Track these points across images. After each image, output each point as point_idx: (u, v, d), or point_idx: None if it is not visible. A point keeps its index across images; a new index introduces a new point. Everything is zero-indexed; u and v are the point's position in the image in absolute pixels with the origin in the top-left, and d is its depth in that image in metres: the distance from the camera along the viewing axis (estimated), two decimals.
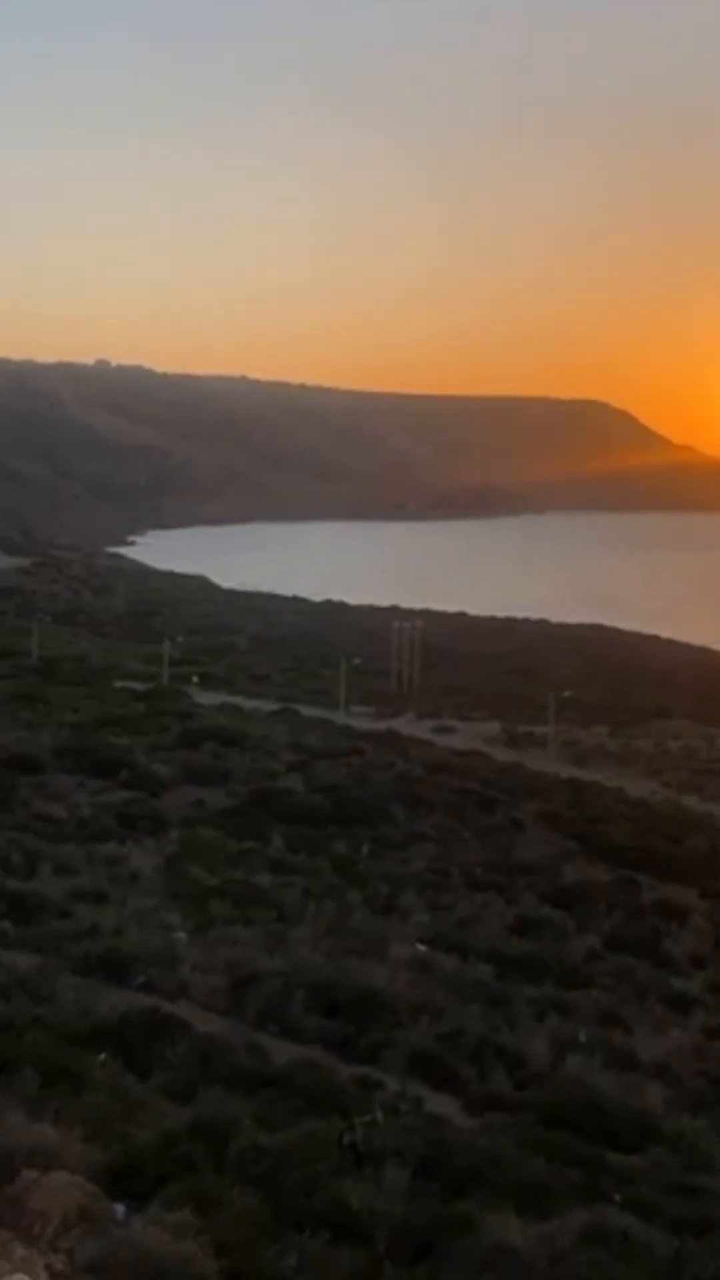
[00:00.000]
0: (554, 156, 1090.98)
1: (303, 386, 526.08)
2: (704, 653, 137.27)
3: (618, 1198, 13.19)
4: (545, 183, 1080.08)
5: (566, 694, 79.48)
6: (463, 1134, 13.86)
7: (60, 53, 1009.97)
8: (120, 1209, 8.19)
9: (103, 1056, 12.80)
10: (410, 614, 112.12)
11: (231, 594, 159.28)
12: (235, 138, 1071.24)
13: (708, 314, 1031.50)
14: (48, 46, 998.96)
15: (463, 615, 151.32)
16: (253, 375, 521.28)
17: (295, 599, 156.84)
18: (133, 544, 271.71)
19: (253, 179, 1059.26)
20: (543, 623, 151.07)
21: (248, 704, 64.60)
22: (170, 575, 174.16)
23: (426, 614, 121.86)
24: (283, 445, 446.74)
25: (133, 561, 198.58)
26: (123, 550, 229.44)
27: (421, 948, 22.66)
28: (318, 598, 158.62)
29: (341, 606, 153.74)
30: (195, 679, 74.74)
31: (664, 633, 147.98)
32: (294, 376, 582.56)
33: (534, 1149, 14.11)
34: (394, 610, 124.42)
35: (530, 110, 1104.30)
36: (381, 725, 65.53)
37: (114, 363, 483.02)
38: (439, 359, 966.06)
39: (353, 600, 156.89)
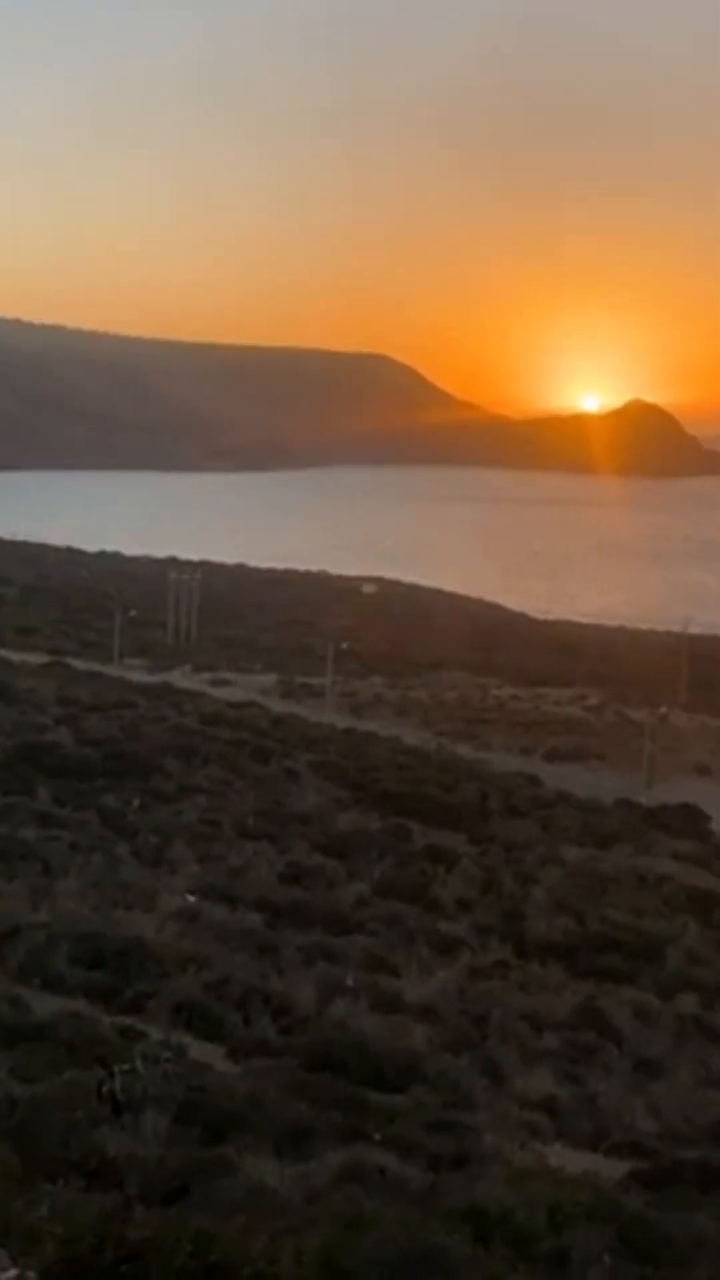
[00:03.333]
0: (341, 111, 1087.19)
1: (80, 331, 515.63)
2: (480, 604, 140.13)
3: (378, 1136, 13.47)
4: (334, 134, 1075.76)
5: (344, 645, 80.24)
6: (225, 1080, 13.98)
7: None
8: None
9: None
10: (188, 565, 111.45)
11: None
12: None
13: (492, 270, 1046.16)
14: None
15: (242, 567, 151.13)
16: (27, 318, 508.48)
17: (69, 549, 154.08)
18: None
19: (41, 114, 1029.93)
20: (323, 574, 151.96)
21: (15, 657, 63.33)
22: None
23: (205, 566, 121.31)
24: (57, 391, 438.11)
25: None
26: None
27: (190, 898, 22.69)
28: (92, 548, 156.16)
29: (117, 557, 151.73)
30: None
31: (442, 585, 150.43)
32: (71, 320, 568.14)
33: (297, 1092, 14.32)
34: (171, 561, 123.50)
35: (320, 64, 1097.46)
36: (156, 678, 65.12)
37: None
38: (221, 307, 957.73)
39: (129, 551, 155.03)
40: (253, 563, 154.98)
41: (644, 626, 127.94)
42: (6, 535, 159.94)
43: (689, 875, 38.07)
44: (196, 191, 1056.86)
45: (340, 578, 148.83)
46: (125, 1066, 11.65)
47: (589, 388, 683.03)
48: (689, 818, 49.65)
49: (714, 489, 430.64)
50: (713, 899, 34.29)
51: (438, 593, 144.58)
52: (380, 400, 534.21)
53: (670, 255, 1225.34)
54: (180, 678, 68.64)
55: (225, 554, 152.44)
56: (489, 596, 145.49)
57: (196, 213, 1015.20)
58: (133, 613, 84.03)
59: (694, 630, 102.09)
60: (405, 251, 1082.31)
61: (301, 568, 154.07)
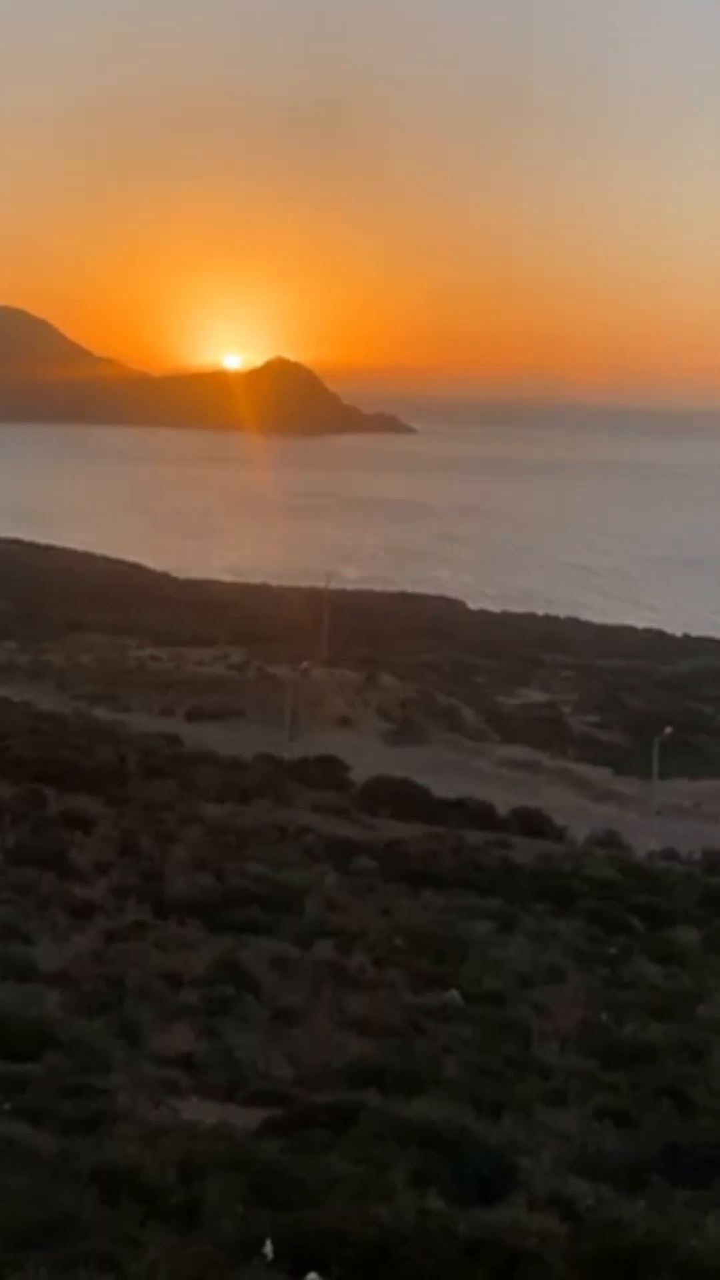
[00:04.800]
0: None
1: None
2: (119, 564, 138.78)
3: (7, 1106, 13.20)
4: None
5: None
6: None
7: None
8: None
9: None
10: None
11: None
12: None
13: (136, 232, 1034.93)
14: None
15: None
16: None
17: None
18: None
19: None
20: None
21: None
22: None
23: None
24: None
25: None
26: None
27: None
28: None
29: None
30: None
31: (79, 545, 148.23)
32: None
33: None
34: None
35: None
36: None
37: None
38: None
39: None
40: None
41: (285, 583, 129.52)
42: None
43: (328, 825, 38.93)
44: None
45: None
46: None
47: (232, 346, 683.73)
48: (329, 769, 50.79)
49: (353, 446, 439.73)
50: (351, 846, 35.18)
51: (74, 553, 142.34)
52: (12, 354, 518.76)
53: (313, 224, 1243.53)
54: None
55: None
56: (128, 556, 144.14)
57: None
58: None
59: (333, 585, 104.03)
60: (42, 207, 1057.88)
61: None
